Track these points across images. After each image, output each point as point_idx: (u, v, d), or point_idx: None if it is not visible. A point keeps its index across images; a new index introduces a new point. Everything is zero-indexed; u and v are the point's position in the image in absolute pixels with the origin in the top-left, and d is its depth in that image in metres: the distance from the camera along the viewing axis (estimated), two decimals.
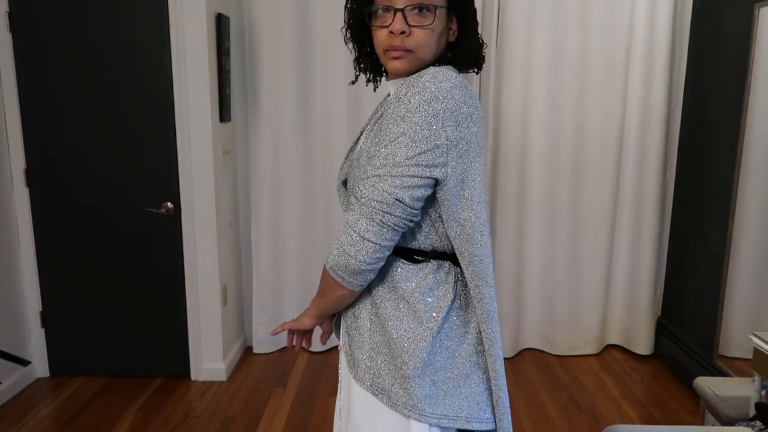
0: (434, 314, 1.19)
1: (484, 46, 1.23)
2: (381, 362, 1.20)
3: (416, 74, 1.14)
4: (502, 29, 3.14)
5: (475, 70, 1.27)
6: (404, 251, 1.22)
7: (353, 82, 1.37)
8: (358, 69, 1.31)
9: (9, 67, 2.84)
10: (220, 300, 3.08)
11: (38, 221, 2.98)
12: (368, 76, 1.33)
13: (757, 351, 1.99)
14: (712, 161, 2.95)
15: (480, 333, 1.21)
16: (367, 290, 1.25)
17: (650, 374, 3.23)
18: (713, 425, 2.19)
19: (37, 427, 2.64)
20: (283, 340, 3.51)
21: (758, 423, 1.85)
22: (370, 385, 1.20)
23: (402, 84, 1.14)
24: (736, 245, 2.70)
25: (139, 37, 2.82)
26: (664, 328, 3.38)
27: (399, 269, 1.22)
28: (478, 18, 3.16)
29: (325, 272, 1.21)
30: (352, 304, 1.27)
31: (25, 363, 3.02)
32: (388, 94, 1.25)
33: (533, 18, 3.13)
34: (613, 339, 3.54)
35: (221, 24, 2.97)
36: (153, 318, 3.07)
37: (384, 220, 1.11)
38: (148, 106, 2.88)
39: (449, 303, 1.20)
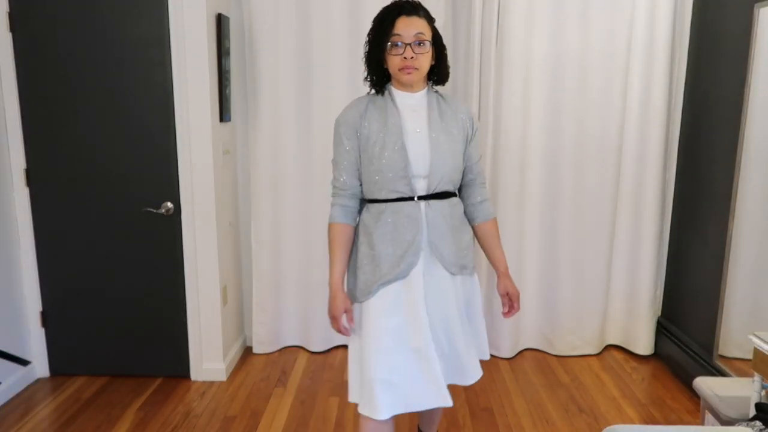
0: None
1: (449, 68, 1.91)
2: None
3: (446, 96, 1.91)
4: (502, 29, 3.13)
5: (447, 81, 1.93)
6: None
7: (369, 92, 1.90)
8: (370, 81, 1.88)
9: (9, 67, 2.84)
10: (220, 300, 3.08)
11: (38, 221, 2.99)
12: (373, 87, 1.89)
13: (757, 351, 1.99)
14: (712, 161, 2.95)
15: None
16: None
17: (650, 374, 3.23)
18: (713, 425, 2.19)
19: (37, 427, 2.64)
20: (282, 340, 3.52)
21: (758, 423, 1.85)
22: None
23: (437, 94, 1.89)
24: (736, 245, 2.70)
25: (139, 37, 2.82)
26: (664, 328, 3.38)
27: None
28: (478, 18, 3.19)
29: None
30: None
31: (25, 363, 3.02)
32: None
33: (533, 17, 3.12)
34: (613, 339, 3.54)
35: (221, 24, 2.97)
36: (153, 318, 3.07)
37: None
38: (148, 106, 2.88)
39: None
